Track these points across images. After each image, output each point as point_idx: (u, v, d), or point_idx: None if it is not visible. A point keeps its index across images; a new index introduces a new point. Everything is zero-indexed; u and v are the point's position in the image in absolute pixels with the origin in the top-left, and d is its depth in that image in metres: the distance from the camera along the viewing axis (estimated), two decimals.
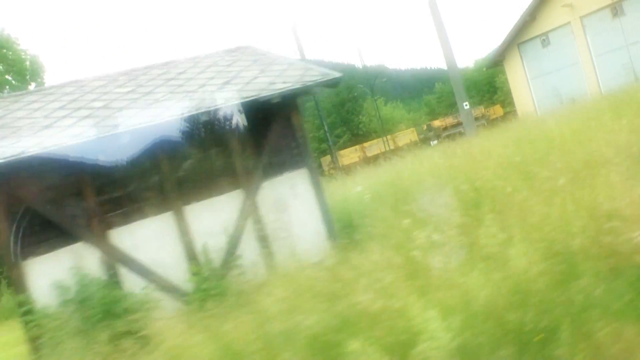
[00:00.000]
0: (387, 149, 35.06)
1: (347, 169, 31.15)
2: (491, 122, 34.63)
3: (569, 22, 24.08)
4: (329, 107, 43.47)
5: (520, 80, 28.24)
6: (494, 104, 43.91)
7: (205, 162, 7.59)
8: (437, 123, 38.46)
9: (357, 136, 40.51)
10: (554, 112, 16.89)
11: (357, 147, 35.87)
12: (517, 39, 26.97)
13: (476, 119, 39.37)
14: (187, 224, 7.17)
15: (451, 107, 51.20)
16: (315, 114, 45.45)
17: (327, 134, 36.22)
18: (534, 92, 27.35)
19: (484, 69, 36.05)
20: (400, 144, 35.34)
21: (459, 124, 37.26)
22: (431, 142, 32.72)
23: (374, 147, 35.22)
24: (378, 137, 38.15)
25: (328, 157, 35.59)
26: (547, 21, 25.05)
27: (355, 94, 41.03)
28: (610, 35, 22.48)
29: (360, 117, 41.38)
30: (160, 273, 6.87)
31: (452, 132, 33.91)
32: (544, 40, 25.77)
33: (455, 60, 26.50)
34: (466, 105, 26.28)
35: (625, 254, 3.53)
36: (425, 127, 39.04)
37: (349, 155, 34.62)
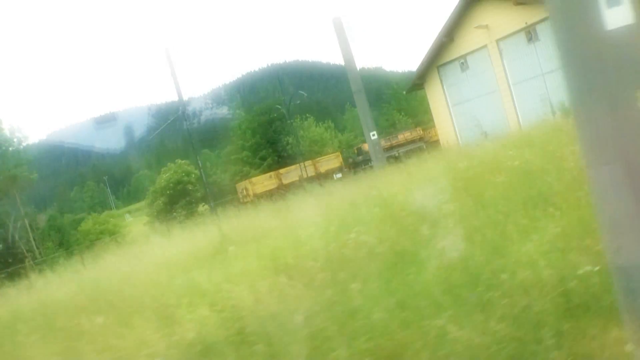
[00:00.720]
0: (306, 175, 32.33)
1: (260, 198, 28.31)
2: (432, 144, 32.21)
3: (485, 45, 21.87)
4: (255, 126, 40.28)
5: (441, 106, 25.96)
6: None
7: None
8: (367, 147, 35.83)
9: (283, 159, 37.34)
10: (473, 146, 14.92)
11: (272, 173, 32.77)
12: (437, 60, 24.66)
13: (413, 141, 37.04)
14: None
15: (392, 126, 48.81)
16: (239, 134, 42.44)
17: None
18: (456, 120, 25.07)
19: (404, 92, 33.74)
20: (322, 169, 32.50)
21: (392, 148, 34.79)
22: (335, 175, 30.01)
23: (291, 173, 32.19)
24: (306, 159, 35.41)
25: (243, 183, 32.47)
26: (465, 43, 22.80)
27: (275, 114, 37.83)
28: (527, 62, 20.32)
29: (287, 137, 38.02)
30: None
31: (365, 160, 31.45)
32: (462, 63, 23.51)
33: (361, 84, 24.08)
34: (373, 135, 23.83)
35: None
36: (356, 150, 36.21)
37: (263, 182, 31.45)
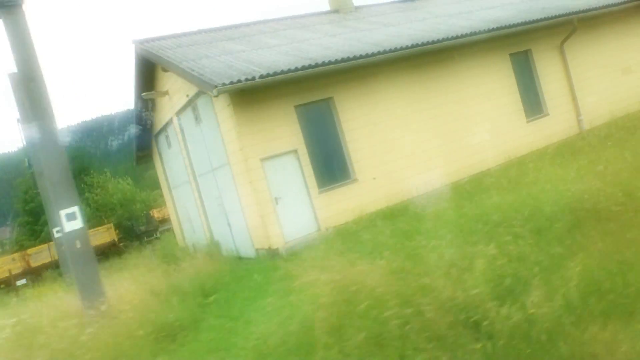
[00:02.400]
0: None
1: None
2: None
3: (171, 118, 15.87)
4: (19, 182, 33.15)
5: (165, 187, 19.80)
6: None
7: None
8: (156, 213, 29.42)
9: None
10: None
11: (16, 255, 25.92)
12: (153, 127, 18.57)
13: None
14: None
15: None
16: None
17: None
18: (178, 207, 18.95)
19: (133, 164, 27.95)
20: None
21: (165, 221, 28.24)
22: (17, 282, 23.27)
23: (43, 253, 25.62)
24: (95, 227, 28.65)
25: None
26: (162, 110, 16.76)
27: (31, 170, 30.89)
28: (201, 149, 14.38)
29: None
30: None
31: (150, 231, 24.72)
32: (167, 137, 17.43)
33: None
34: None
35: None
36: (144, 217, 29.70)
37: (3, 266, 24.57)
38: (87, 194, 30.03)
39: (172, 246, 18.94)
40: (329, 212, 12.01)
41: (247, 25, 16.19)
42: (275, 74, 11.15)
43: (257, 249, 12.32)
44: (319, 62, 11.67)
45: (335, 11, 17.73)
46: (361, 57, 12.03)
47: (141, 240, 27.26)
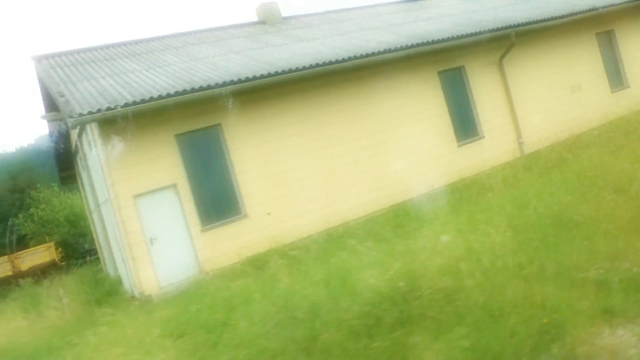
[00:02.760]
0: (14, 271, 24.55)
1: None
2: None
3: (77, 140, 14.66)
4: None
5: (86, 208, 18.64)
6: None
7: None
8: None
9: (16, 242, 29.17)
10: None
11: None
12: (73, 147, 17.39)
13: None
14: None
15: None
16: None
17: None
18: (96, 232, 17.76)
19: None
20: (24, 267, 24.83)
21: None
22: None
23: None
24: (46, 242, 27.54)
25: None
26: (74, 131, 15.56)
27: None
28: (97, 180, 13.17)
29: (20, 214, 29.91)
30: None
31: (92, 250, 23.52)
32: (81, 158, 16.20)
33: None
34: None
35: None
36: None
37: None
38: (32, 209, 28.77)
39: (95, 273, 17.80)
40: (214, 253, 10.74)
41: (160, 39, 14.96)
42: (143, 101, 9.91)
43: (139, 293, 11.09)
44: (196, 86, 10.43)
45: (262, 22, 16.46)
46: (247, 80, 10.75)
47: (85, 259, 26.07)
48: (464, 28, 14.11)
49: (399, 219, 10.73)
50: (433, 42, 12.96)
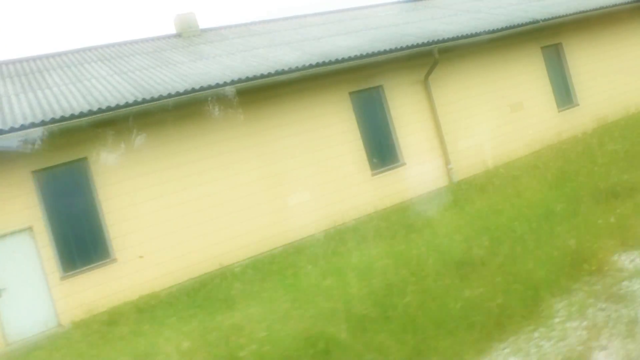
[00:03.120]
0: None
1: None
2: None
3: None
4: None
5: None
6: None
7: None
8: None
9: None
10: None
11: None
12: None
13: None
14: None
15: None
16: None
17: None
18: None
19: None
20: None
21: None
22: None
23: None
24: None
25: None
26: None
27: None
28: None
29: None
30: None
31: None
32: None
33: None
34: None
35: None
36: None
37: None
38: None
39: None
40: (76, 302, 9.64)
41: (51, 56, 13.78)
42: None
43: None
44: (58, 116, 9.32)
45: (178, 35, 15.32)
46: (111, 108, 9.62)
47: None
48: (381, 44, 12.90)
49: (281, 264, 9.59)
50: (337, 61, 11.73)
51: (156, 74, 11.68)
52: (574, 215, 6.74)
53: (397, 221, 10.29)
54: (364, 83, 12.61)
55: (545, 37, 15.41)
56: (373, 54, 12.06)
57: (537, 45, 15.32)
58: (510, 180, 10.82)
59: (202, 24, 17.85)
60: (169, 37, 15.24)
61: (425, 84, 13.25)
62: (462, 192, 11.75)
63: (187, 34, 15.22)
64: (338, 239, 9.73)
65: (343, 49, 12.68)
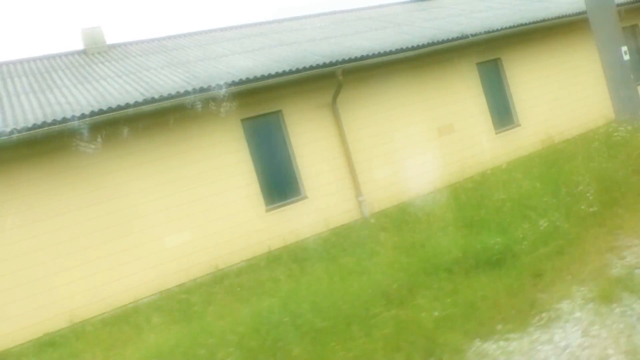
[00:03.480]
0: None
1: None
2: None
3: None
4: None
5: None
6: None
7: None
8: None
9: None
10: None
11: None
12: None
13: None
14: None
15: None
16: None
17: None
18: None
19: None
20: None
21: None
22: None
23: None
24: None
25: None
26: None
27: None
28: None
29: None
30: None
31: None
32: None
33: None
34: None
35: None
36: None
37: None
38: None
39: None
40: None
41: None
42: None
43: None
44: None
45: (83, 51, 14.19)
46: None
47: None
48: (281, 64, 11.63)
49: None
50: (224, 85, 10.48)
51: (21, 102, 10.50)
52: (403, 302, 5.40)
53: (265, 273, 9.00)
54: (259, 108, 11.33)
55: (481, 52, 14.03)
56: (264, 77, 10.79)
57: (472, 62, 13.94)
58: (405, 223, 9.48)
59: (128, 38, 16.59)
60: (72, 53, 14.13)
61: (333, 107, 11.94)
62: (364, 231, 10.44)
63: (93, 50, 14.09)
64: (183, 301, 8.41)
65: (236, 70, 11.43)
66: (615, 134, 10.60)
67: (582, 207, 6.63)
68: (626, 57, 11.98)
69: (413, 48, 12.34)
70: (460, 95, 13.67)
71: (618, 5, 15.48)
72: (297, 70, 11.13)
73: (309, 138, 11.72)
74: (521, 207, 7.64)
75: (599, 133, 11.89)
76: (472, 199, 9.63)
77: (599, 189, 6.98)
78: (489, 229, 6.90)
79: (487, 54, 14.15)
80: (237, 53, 13.24)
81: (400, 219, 10.30)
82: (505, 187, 9.65)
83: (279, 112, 11.52)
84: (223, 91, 10.53)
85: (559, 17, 14.58)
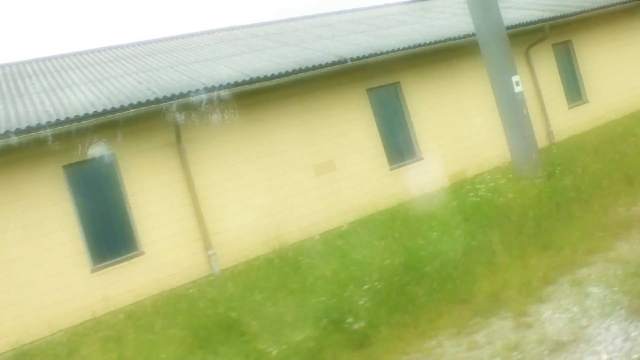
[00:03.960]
0: None
1: None
2: None
3: None
4: None
5: None
6: None
7: None
8: None
9: None
10: None
11: None
12: None
13: None
14: None
15: None
16: None
17: None
18: None
19: None
20: None
21: None
22: None
23: None
24: None
25: None
26: None
27: None
28: None
29: None
30: None
31: None
32: None
33: None
34: None
35: None
36: None
37: None
38: None
39: None
40: None
41: None
42: None
43: None
44: None
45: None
46: None
47: None
48: (115, 99, 10.20)
49: None
50: (45, 125, 9.10)
51: None
52: None
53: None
54: (85, 153, 9.92)
55: (375, 77, 12.36)
56: (97, 114, 9.37)
57: (362, 88, 12.29)
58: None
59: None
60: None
61: (179, 148, 10.47)
62: (207, 292, 8.98)
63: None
64: None
65: (67, 107, 10.05)
66: (479, 187, 8.98)
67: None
68: (518, 89, 10.30)
69: (268, 78, 10.76)
70: (347, 127, 12.06)
71: (543, 20, 13.72)
72: (126, 108, 9.69)
73: (149, 184, 10.28)
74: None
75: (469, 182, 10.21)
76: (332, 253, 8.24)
77: None
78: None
79: (382, 78, 12.48)
80: (91, 82, 11.83)
81: (251, 277, 8.89)
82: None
83: (110, 155, 10.09)
84: (43, 133, 9.14)
85: (459, 38, 12.78)
